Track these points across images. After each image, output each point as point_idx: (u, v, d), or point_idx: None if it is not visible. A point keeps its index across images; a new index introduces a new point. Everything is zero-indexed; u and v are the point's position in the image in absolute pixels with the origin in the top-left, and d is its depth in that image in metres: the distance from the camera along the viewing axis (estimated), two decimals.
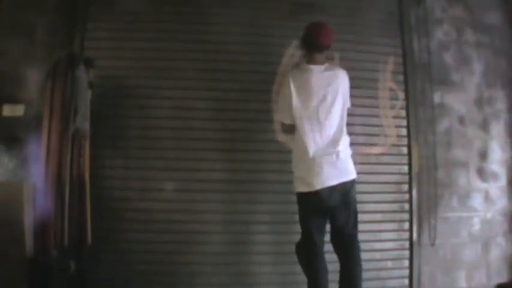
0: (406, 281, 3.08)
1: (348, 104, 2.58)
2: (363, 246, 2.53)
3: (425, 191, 3.15)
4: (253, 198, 3.00)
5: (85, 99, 2.71)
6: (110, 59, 2.96)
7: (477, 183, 3.27)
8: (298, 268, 2.55)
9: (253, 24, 3.11)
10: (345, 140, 2.52)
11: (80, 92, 2.64)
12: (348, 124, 2.58)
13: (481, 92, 3.35)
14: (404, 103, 3.20)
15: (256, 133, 3.04)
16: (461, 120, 3.30)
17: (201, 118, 3.02)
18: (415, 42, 3.28)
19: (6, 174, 2.82)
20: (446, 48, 3.34)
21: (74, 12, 3.00)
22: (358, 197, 2.59)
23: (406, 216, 3.13)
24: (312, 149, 2.43)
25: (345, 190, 2.45)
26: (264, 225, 2.99)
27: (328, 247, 2.53)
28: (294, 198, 2.57)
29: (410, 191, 3.14)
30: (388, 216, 3.11)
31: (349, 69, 2.64)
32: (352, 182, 2.49)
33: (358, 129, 3.02)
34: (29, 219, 2.54)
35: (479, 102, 3.34)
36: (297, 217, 2.58)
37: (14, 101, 2.89)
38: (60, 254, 2.50)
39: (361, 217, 2.57)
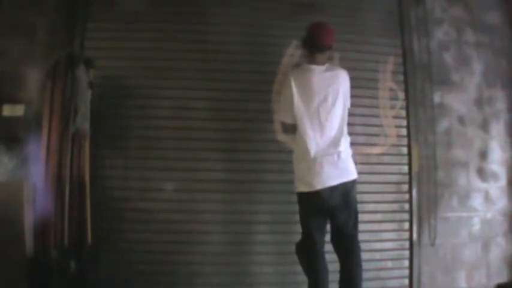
0: (406, 281, 3.08)
1: (349, 104, 2.58)
2: (363, 246, 2.53)
3: (425, 191, 3.15)
4: (253, 198, 3.00)
5: (85, 99, 2.71)
6: (110, 59, 2.96)
7: (477, 183, 3.27)
8: (299, 268, 2.55)
9: (253, 24, 3.11)
10: (346, 140, 2.53)
11: (80, 92, 2.64)
12: (348, 124, 2.57)
13: (481, 92, 3.35)
14: (404, 103, 3.20)
15: (256, 133, 3.04)
16: (461, 120, 3.30)
17: (201, 118, 3.02)
18: (415, 42, 3.28)
19: (6, 174, 2.82)
20: (446, 48, 3.34)
21: (74, 12, 3.00)
22: (358, 197, 2.59)
23: (406, 216, 3.13)
24: (313, 149, 2.43)
25: (346, 190, 2.45)
26: (264, 225, 2.99)
27: (328, 247, 2.53)
28: (294, 198, 2.57)
29: (410, 191, 3.14)
30: (388, 216, 3.11)
31: (349, 69, 2.64)
32: (353, 182, 2.49)
33: (358, 129, 3.02)
34: (29, 219, 2.54)
35: (479, 102, 3.34)
36: (297, 217, 2.58)
37: (14, 101, 2.89)
38: (60, 254, 2.50)
39: (361, 217, 2.57)
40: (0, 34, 2.94)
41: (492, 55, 3.38)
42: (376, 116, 3.15)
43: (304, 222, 2.53)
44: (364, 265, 2.49)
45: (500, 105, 3.37)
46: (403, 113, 3.20)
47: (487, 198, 3.27)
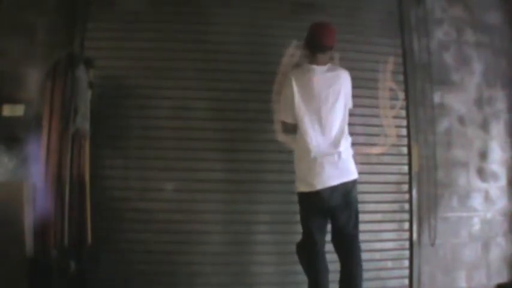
0: (406, 281, 3.08)
1: (350, 105, 2.59)
2: (363, 246, 2.53)
3: (425, 191, 3.15)
4: (253, 198, 3.00)
5: (85, 99, 2.71)
6: (110, 59, 2.96)
7: (477, 183, 3.27)
8: (299, 268, 2.55)
9: (253, 24, 3.11)
10: (347, 141, 2.53)
11: (80, 92, 2.64)
12: (349, 124, 2.57)
13: (481, 92, 3.35)
14: (404, 103, 3.20)
15: (256, 133, 3.04)
16: (461, 120, 3.30)
17: (201, 118, 3.02)
18: (415, 42, 3.28)
19: (6, 174, 2.82)
20: (446, 48, 3.34)
21: (74, 12, 3.00)
22: (358, 197, 2.59)
23: (406, 216, 3.13)
24: (313, 149, 2.44)
25: (346, 190, 2.45)
26: (264, 225, 2.99)
27: (328, 247, 2.53)
28: (294, 198, 2.57)
29: (410, 191, 3.14)
30: (388, 216, 3.11)
31: (349, 69, 2.64)
32: (354, 182, 2.49)
33: (358, 129, 3.01)
34: (29, 219, 2.54)
35: (479, 102, 3.34)
36: (297, 217, 2.59)
37: (14, 101, 2.89)
38: (60, 254, 2.50)
39: (361, 217, 2.56)
40: (0, 34, 2.94)
41: (492, 55, 3.38)
42: (376, 116, 3.15)
43: (304, 222, 2.53)
44: (364, 265, 2.50)
45: (500, 105, 3.37)
46: (403, 113, 3.19)
47: (487, 198, 3.27)
